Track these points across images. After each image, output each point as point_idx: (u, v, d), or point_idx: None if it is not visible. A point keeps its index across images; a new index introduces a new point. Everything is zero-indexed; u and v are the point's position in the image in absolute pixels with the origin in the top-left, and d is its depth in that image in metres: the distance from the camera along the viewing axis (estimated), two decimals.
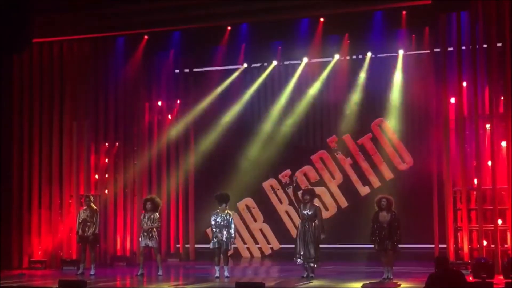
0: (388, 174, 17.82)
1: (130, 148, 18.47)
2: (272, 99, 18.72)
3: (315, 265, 13.44)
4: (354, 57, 17.99)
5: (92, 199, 15.48)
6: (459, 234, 14.59)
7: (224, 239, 13.76)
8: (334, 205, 18.12)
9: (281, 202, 18.60)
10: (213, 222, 13.87)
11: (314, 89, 18.32)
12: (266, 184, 18.70)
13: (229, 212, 14.01)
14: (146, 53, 18.14)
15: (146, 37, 17.75)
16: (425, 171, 16.86)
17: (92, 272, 14.82)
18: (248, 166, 18.82)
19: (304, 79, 18.41)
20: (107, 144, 18.04)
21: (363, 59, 17.88)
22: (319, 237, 13.43)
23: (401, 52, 17.48)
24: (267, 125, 18.68)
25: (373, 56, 17.80)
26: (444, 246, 14.76)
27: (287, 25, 16.79)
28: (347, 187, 18.18)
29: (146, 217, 14.69)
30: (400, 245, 13.10)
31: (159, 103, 19.17)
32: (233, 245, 14.07)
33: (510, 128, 14.14)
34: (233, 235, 13.84)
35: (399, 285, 12.40)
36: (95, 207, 15.40)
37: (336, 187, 18.22)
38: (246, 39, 17.69)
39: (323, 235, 13.44)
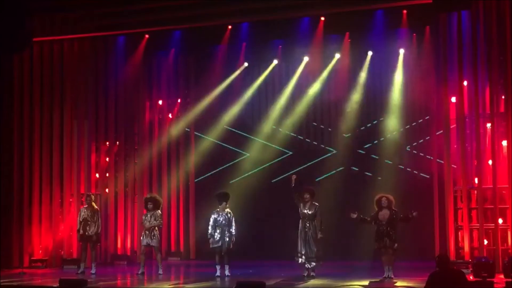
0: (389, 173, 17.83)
1: (131, 147, 18.51)
2: (273, 98, 18.71)
3: (316, 264, 13.45)
4: (354, 56, 17.96)
5: (93, 198, 15.48)
6: (459, 233, 14.60)
7: (226, 238, 13.77)
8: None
9: None
10: (213, 221, 13.87)
11: (314, 88, 18.31)
12: None
13: (229, 210, 14.03)
14: (147, 52, 18.13)
15: (146, 36, 17.74)
16: (426, 170, 16.87)
17: (93, 271, 14.82)
18: (249, 165, 18.84)
19: (305, 78, 18.40)
20: (107, 143, 18.06)
21: (364, 58, 17.85)
22: (317, 236, 13.45)
23: (401, 51, 17.46)
24: (267, 124, 18.68)
25: (374, 55, 17.78)
26: (445, 245, 14.76)
27: (288, 24, 16.77)
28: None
29: (149, 215, 14.69)
30: (400, 244, 13.14)
31: (160, 102, 19.18)
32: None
33: (510, 127, 14.15)
34: (234, 233, 13.86)
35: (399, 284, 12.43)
36: (96, 206, 15.40)
37: None
38: (246, 38, 17.68)
39: (320, 235, 13.44)
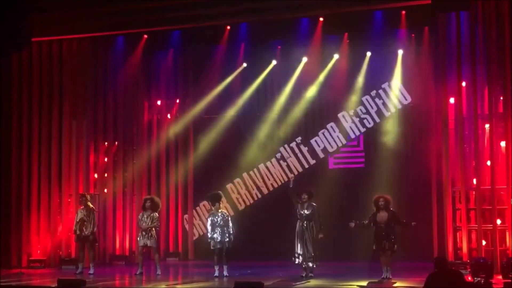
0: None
1: (129, 147, 18.49)
2: (271, 98, 18.70)
3: (314, 265, 13.46)
4: (353, 56, 17.95)
5: (88, 198, 15.48)
6: (458, 234, 14.61)
7: (225, 238, 13.78)
8: None
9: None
10: (211, 223, 13.88)
11: (313, 89, 18.31)
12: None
13: (224, 210, 14.06)
14: (146, 52, 18.11)
15: (145, 36, 17.72)
16: (425, 171, 16.86)
17: (91, 271, 14.82)
18: (247, 166, 18.85)
19: (304, 78, 18.39)
20: (106, 143, 18.05)
21: (363, 58, 17.85)
22: (317, 237, 13.46)
23: (400, 52, 17.47)
24: (266, 125, 18.68)
25: (373, 55, 17.77)
26: (443, 246, 14.76)
27: (287, 24, 16.74)
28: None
29: (145, 216, 14.69)
30: (398, 245, 13.15)
31: (158, 102, 19.18)
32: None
33: (509, 128, 14.16)
34: (232, 232, 13.88)
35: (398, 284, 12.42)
36: (91, 206, 15.39)
37: None
38: (245, 38, 17.66)
39: (321, 235, 13.45)
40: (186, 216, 18.97)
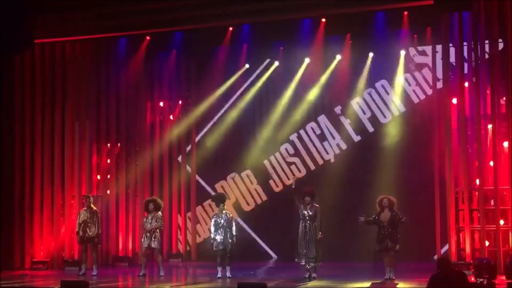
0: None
1: (132, 149, 18.50)
2: (274, 99, 18.69)
3: (317, 265, 13.45)
4: (355, 57, 17.94)
5: (92, 199, 15.48)
6: (461, 234, 14.59)
7: (228, 239, 13.79)
8: None
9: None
10: (214, 224, 13.88)
11: (315, 90, 18.31)
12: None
13: (228, 212, 14.06)
14: (148, 53, 18.10)
15: (148, 37, 17.73)
16: (428, 171, 16.85)
17: (94, 272, 14.84)
18: (249, 167, 18.85)
19: (306, 79, 18.39)
20: (109, 144, 18.06)
21: (365, 59, 17.84)
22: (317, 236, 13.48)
23: (403, 53, 17.46)
24: (268, 126, 18.67)
25: (375, 56, 17.76)
26: (446, 246, 14.75)
27: (289, 25, 16.73)
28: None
29: (150, 217, 14.70)
30: (401, 246, 13.13)
31: (161, 103, 19.18)
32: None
33: (511, 128, 14.13)
34: (235, 234, 13.88)
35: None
36: (95, 208, 15.40)
37: None
38: (248, 39, 17.67)
39: (320, 235, 13.44)
40: (189, 215, 18.95)
